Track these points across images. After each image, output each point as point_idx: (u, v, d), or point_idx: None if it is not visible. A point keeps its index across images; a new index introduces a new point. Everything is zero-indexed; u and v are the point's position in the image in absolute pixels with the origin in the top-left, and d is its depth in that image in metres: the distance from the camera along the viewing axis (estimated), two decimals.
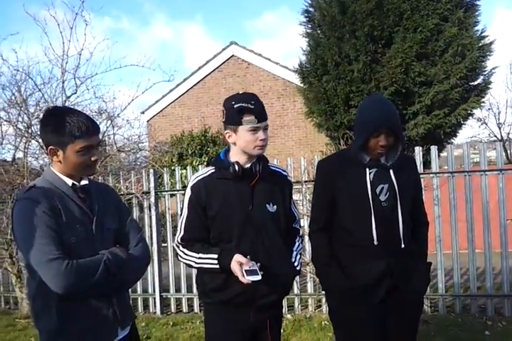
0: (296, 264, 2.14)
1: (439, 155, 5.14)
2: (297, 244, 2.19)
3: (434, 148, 4.72)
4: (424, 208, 2.33)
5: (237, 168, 2.01)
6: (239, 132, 2.01)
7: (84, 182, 1.88)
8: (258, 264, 1.88)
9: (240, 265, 1.87)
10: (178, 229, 2.10)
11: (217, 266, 1.95)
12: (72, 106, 5.73)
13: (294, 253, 2.15)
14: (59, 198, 1.78)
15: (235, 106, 1.98)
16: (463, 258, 4.63)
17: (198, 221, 2.04)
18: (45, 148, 1.86)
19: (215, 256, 1.96)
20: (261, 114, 2.00)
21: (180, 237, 2.08)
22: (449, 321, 4.36)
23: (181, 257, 2.08)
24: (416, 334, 2.23)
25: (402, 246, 2.08)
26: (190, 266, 2.07)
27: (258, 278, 1.84)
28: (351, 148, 2.25)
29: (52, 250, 1.66)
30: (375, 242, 2.07)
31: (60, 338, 1.75)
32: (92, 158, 1.82)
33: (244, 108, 1.97)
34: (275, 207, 2.08)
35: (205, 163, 10.65)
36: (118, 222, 1.94)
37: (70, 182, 1.84)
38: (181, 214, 2.10)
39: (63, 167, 1.82)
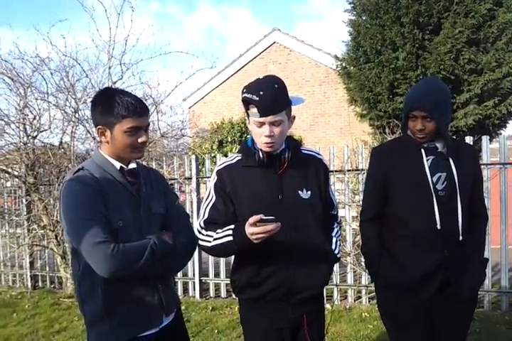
0: (336, 251, 2.03)
1: None
2: (336, 229, 2.08)
3: (485, 138, 4.53)
4: (484, 201, 2.22)
5: (261, 155, 1.88)
6: (250, 122, 1.90)
7: (132, 165, 1.86)
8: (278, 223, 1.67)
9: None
10: (202, 212, 1.95)
11: (231, 238, 1.77)
12: None
13: (334, 239, 2.04)
14: (107, 181, 1.77)
15: (242, 95, 1.83)
16: (511, 253, 4.46)
17: (223, 206, 1.92)
18: (94, 128, 1.84)
19: (232, 226, 1.80)
20: (266, 108, 1.78)
21: (203, 220, 1.92)
22: (495, 318, 4.21)
23: (200, 239, 1.91)
24: (467, 332, 2.15)
25: (460, 238, 1.99)
26: (205, 248, 1.89)
27: (274, 218, 1.66)
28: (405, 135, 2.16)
29: (99, 233, 1.64)
30: (438, 227, 1.97)
31: (105, 322, 1.74)
32: (139, 140, 1.78)
33: (247, 99, 1.81)
34: (309, 192, 1.93)
35: None
36: (165, 206, 1.91)
37: (118, 165, 1.81)
38: (206, 199, 1.97)
39: (111, 148, 1.80)
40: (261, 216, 1.67)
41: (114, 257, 1.62)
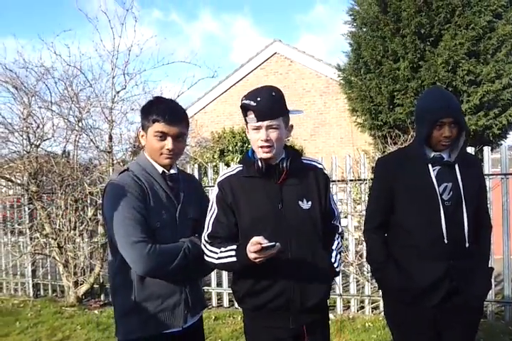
0: (336, 265, 2.00)
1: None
2: (337, 242, 2.05)
3: (487, 149, 4.56)
4: (488, 210, 2.24)
5: (260, 164, 1.88)
6: (248, 130, 1.92)
7: (173, 170, 1.99)
8: (277, 244, 1.67)
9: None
10: (206, 226, 1.96)
11: (235, 259, 1.79)
12: (122, 101, 5.90)
13: (334, 252, 2.00)
14: (149, 183, 1.90)
15: (241, 103, 1.88)
16: None
17: (225, 218, 1.92)
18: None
19: (234, 247, 1.82)
20: (262, 112, 1.82)
21: (207, 234, 1.93)
22: (499, 328, 4.21)
23: (206, 255, 1.92)
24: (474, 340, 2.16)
25: (466, 247, 2.01)
26: (211, 264, 1.91)
27: (274, 243, 1.65)
28: (413, 144, 2.18)
29: (137, 232, 1.77)
30: (446, 241, 1.99)
31: (134, 316, 1.85)
32: (166, 147, 1.90)
33: (245, 105, 1.85)
34: (310, 203, 1.92)
35: None
36: (199, 212, 2.02)
37: (160, 169, 1.95)
38: (209, 211, 1.97)
39: (147, 151, 1.96)
40: (261, 241, 1.66)
41: (150, 257, 1.76)
